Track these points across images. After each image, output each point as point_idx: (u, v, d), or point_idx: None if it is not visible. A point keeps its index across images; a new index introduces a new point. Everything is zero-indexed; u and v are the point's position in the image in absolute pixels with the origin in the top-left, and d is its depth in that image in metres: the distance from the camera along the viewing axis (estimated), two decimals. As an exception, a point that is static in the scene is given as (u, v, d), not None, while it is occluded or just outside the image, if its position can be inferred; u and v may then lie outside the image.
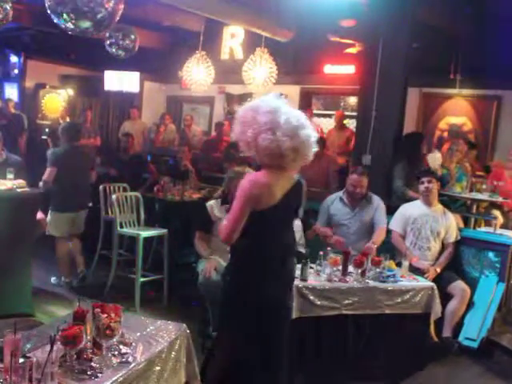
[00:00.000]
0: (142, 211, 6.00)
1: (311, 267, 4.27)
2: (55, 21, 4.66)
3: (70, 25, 4.65)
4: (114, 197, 5.80)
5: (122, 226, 5.78)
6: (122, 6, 4.77)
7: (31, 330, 2.77)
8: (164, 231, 5.76)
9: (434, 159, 6.14)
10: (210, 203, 4.85)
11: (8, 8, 5.29)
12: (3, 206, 4.77)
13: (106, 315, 2.41)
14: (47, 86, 11.99)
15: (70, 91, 11.92)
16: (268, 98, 2.98)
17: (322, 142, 7.67)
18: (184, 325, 2.98)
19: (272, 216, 2.92)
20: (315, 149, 2.99)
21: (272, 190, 2.91)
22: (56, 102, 11.77)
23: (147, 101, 11.72)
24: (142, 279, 5.53)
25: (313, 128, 2.99)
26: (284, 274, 3.08)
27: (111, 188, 6.31)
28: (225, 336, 3.16)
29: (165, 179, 6.39)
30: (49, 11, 4.68)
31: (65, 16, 4.64)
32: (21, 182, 5.03)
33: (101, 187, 6.27)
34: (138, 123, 10.35)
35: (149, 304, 5.52)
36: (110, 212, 6.25)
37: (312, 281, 4.14)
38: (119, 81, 11.35)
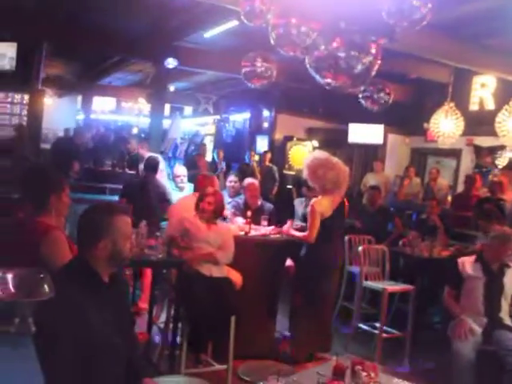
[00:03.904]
0: (388, 265, 5.88)
1: None
2: (315, 76, 4.87)
3: (328, 80, 4.82)
4: (360, 248, 5.79)
5: (366, 279, 5.73)
6: (379, 62, 4.81)
7: (287, 377, 2.80)
8: (410, 287, 5.55)
9: None
10: (463, 259, 4.67)
11: (273, 69, 5.76)
12: (256, 251, 5.06)
13: (365, 373, 2.34)
14: (294, 139, 12.66)
15: (315, 143, 12.39)
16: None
17: None
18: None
19: (328, 222, 5.06)
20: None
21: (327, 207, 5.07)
22: (302, 153, 12.27)
23: (390, 153, 11.66)
24: (385, 335, 5.37)
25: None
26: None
27: (356, 239, 6.33)
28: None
29: (412, 234, 6.20)
30: (308, 67, 4.92)
31: (324, 72, 4.83)
32: (274, 228, 5.31)
33: (346, 238, 6.32)
34: (380, 176, 10.32)
35: (389, 361, 5.32)
36: (352, 263, 6.26)
37: None
38: (363, 133, 11.52)
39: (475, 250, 5.63)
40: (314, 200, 5.10)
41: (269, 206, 6.04)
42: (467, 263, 4.56)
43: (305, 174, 5.22)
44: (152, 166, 6.86)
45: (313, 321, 5.10)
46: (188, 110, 17.86)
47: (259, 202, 6.00)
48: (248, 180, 6.16)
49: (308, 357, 5.06)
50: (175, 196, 6.69)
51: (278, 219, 5.82)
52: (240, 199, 6.10)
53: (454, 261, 4.70)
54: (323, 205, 5.06)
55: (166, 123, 13.51)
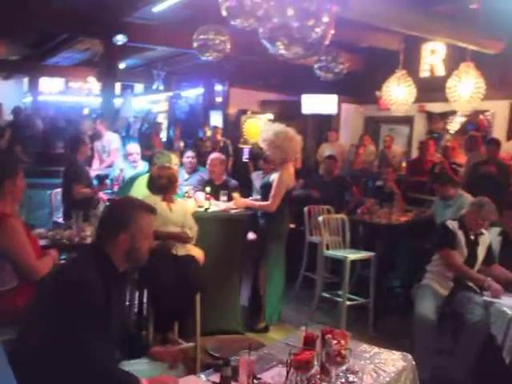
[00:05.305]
0: (348, 233, 5.94)
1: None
2: (268, 47, 4.81)
3: (282, 51, 4.77)
4: (320, 218, 5.83)
5: (327, 248, 5.78)
6: (332, 31, 4.78)
7: (256, 350, 2.79)
8: (371, 254, 5.63)
9: None
10: (449, 222, 4.50)
11: (226, 41, 5.65)
12: (217, 226, 5.05)
13: (336, 341, 2.35)
14: (248, 112, 12.60)
15: (270, 116, 12.36)
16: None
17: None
18: (409, 355, 2.82)
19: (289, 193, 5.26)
20: None
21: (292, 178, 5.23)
22: (256, 126, 12.25)
23: (344, 123, 11.73)
24: (349, 302, 5.46)
25: None
26: None
27: (315, 210, 6.37)
28: None
29: (370, 201, 6.28)
30: (262, 39, 4.85)
31: (277, 43, 4.78)
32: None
33: (305, 209, 6.36)
34: (335, 145, 10.37)
35: (353, 328, 5.39)
36: (313, 233, 6.32)
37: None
38: (316, 104, 11.53)
39: (432, 214, 5.76)
40: (281, 171, 5.13)
41: (234, 182, 5.90)
42: (456, 228, 4.42)
43: (265, 148, 5.20)
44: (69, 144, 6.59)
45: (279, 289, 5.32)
46: (139, 87, 17.51)
47: (224, 178, 5.90)
48: (212, 155, 6.05)
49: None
50: (130, 174, 6.52)
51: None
52: (205, 174, 6.01)
53: (443, 224, 4.55)
54: (289, 176, 5.16)
55: (117, 102, 13.22)
